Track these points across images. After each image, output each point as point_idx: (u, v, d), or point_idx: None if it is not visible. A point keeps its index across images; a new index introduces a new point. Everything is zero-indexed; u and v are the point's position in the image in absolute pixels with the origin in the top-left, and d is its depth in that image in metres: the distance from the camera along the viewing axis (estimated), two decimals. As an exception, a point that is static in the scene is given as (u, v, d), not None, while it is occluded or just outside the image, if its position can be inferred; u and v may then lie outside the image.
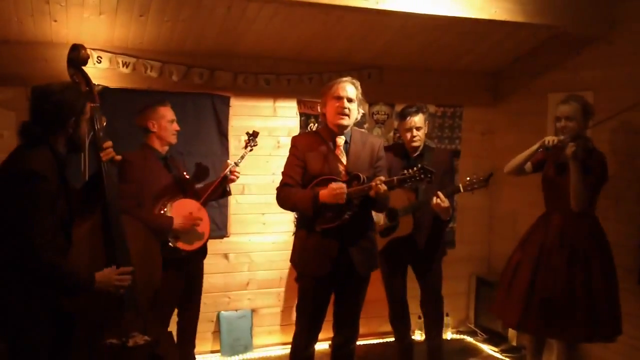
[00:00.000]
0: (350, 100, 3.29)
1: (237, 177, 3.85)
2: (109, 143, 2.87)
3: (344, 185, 3.15)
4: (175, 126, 3.75)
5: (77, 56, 2.94)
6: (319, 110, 3.51)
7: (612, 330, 3.54)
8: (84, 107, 2.70)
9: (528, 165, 3.79)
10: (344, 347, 3.54)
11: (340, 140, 3.36)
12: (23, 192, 2.46)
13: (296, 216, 4.59)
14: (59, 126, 2.63)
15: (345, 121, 3.30)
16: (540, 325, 3.57)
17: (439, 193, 3.71)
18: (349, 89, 3.30)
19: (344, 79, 3.35)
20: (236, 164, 3.83)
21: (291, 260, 3.52)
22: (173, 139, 3.75)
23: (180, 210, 3.61)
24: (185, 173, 3.87)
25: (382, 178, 3.16)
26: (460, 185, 3.76)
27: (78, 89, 2.77)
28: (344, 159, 3.34)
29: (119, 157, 2.89)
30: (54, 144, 2.63)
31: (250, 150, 3.93)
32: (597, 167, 3.49)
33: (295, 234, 3.51)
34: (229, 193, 3.97)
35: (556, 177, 3.63)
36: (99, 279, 2.62)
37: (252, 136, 3.94)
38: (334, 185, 3.15)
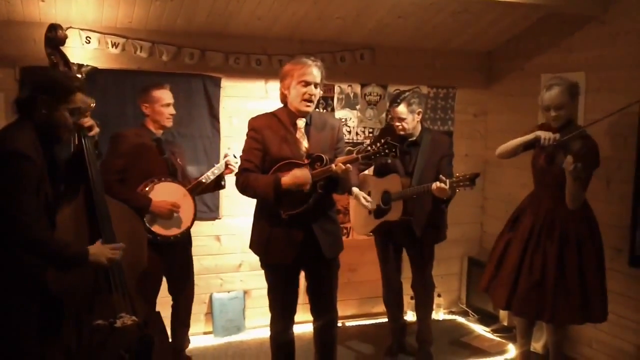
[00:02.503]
0: (317, 85, 3.16)
1: (234, 170, 3.76)
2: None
3: (308, 174, 3.05)
4: (171, 110, 3.72)
5: (54, 36, 2.92)
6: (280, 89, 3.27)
7: (604, 311, 3.56)
8: (65, 94, 2.59)
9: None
10: (325, 332, 3.48)
11: (301, 122, 3.22)
12: (7, 171, 2.44)
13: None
14: (32, 102, 2.57)
15: (310, 108, 3.19)
16: (531, 309, 3.57)
17: (442, 177, 3.60)
18: (316, 73, 3.14)
19: (310, 61, 3.16)
20: (235, 156, 3.77)
21: (252, 248, 3.39)
22: (167, 123, 3.73)
23: (163, 194, 3.58)
24: (179, 159, 3.85)
25: (344, 157, 3.08)
26: (448, 181, 3.59)
27: (66, 75, 2.68)
28: (305, 142, 3.22)
29: (97, 130, 2.89)
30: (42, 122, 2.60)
31: None
32: (591, 161, 3.42)
33: (255, 223, 3.34)
34: (223, 186, 3.90)
35: (546, 167, 3.57)
36: (92, 251, 2.61)
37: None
38: (297, 173, 3.04)
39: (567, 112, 3.51)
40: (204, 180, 3.79)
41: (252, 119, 3.29)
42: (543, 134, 3.44)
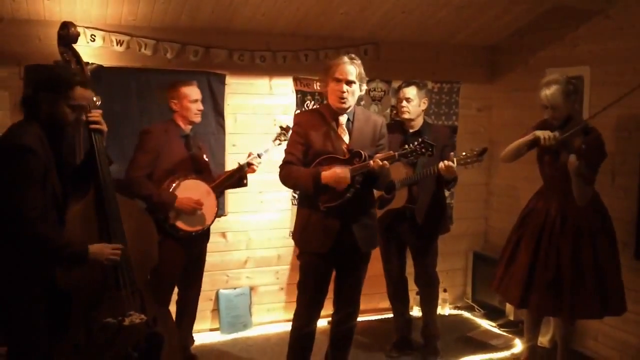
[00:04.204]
0: (350, 82, 3.22)
1: (256, 169, 3.87)
2: (98, 111, 2.87)
3: (348, 173, 3.14)
4: (199, 105, 3.75)
5: (67, 34, 2.93)
6: (318, 87, 3.47)
7: (622, 304, 3.56)
8: (64, 88, 2.59)
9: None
10: (343, 324, 3.53)
11: (343, 118, 3.32)
12: (12, 166, 2.46)
13: (295, 194, 4.60)
14: (35, 100, 2.59)
15: (346, 104, 3.25)
16: (547, 306, 3.56)
17: (450, 154, 3.64)
18: (350, 69, 3.21)
19: (345, 59, 3.23)
20: (259, 156, 3.85)
21: (293, 237, 3.52)
22: (196, 118, 3.76)
23: (188, 191, 3.61)
24: (205, 156, 3.88)
25: (382, 154, 3.15)
26: (455, 159, 3.65)
27: (67, 70, 2.68)
28: (346, 137, 3.31)
29: (104, 127, 2.89)
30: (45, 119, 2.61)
31: (279, 144, 3.94)
32: (596, 153, 3.41)
33: (298, 211, 3.47)
34: (244, 184, 3.94)
35: (551, 164, 3.57)
36: (92, 250, 2.63)
37: (285, 130, 3.96)
38: (339, 171, 3.13)
39: (564, 111, 3.52)
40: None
41: (297, 114, 3.47)
42: (542, 134, 3.44)
